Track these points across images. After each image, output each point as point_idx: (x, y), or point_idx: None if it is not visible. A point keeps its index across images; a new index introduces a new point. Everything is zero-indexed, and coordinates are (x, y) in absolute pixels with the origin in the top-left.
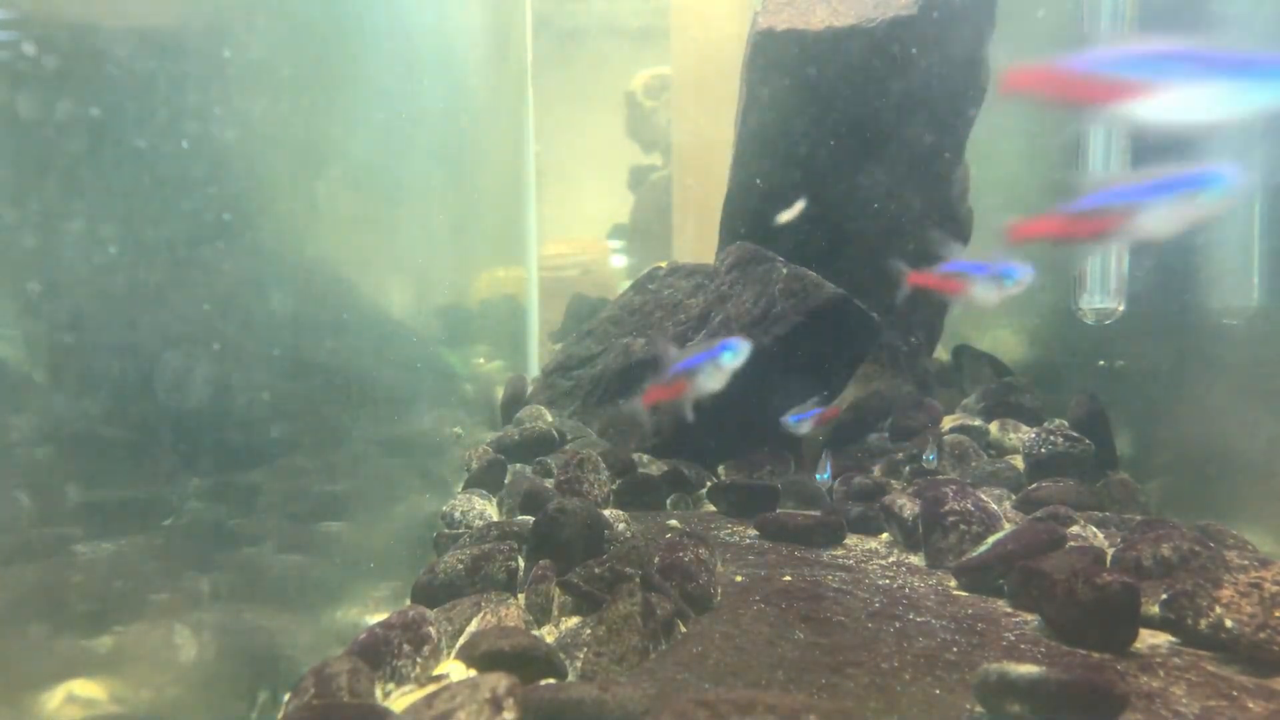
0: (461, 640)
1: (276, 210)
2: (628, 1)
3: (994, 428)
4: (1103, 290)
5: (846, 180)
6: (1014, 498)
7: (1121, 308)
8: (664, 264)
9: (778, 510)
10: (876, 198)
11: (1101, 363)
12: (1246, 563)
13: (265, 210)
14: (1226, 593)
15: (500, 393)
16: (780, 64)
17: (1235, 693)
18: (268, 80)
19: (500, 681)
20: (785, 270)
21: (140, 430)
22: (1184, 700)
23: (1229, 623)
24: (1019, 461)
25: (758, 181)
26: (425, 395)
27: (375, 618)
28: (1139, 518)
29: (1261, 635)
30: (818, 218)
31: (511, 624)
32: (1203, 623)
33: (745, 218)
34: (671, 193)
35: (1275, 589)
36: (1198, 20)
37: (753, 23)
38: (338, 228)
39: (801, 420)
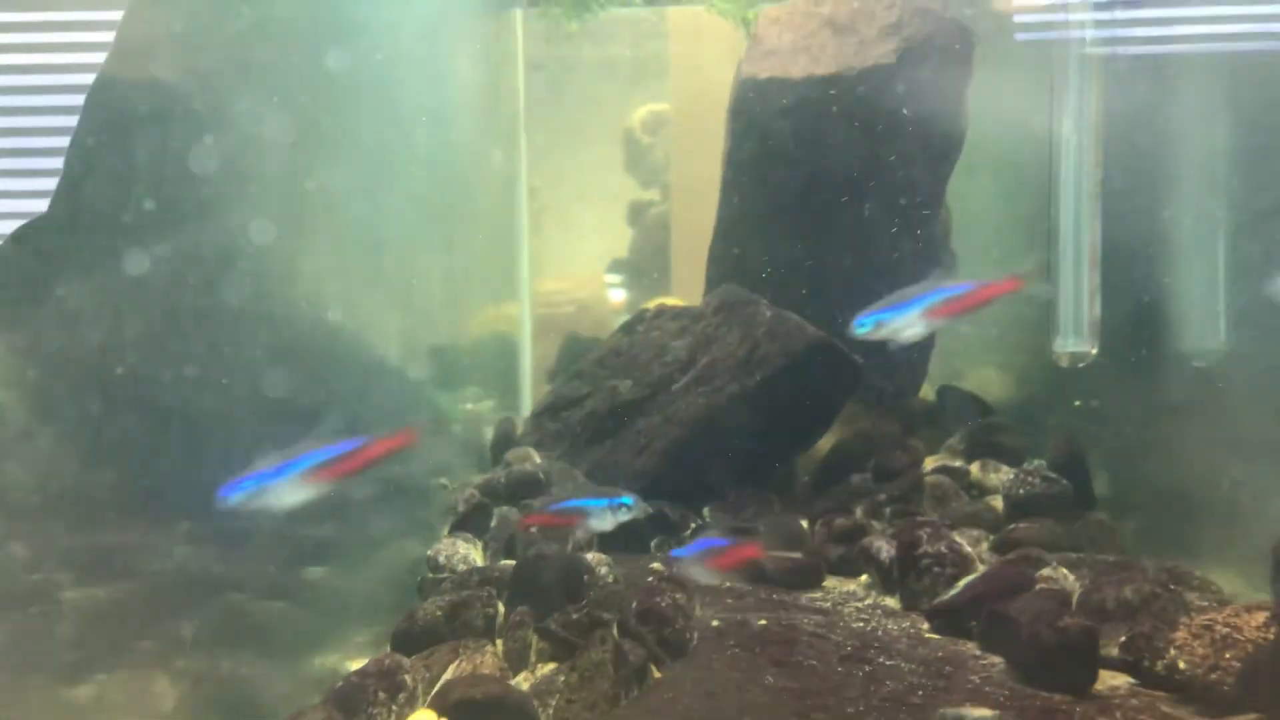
0: (436, 688)
1: (260, 255)
2: (624, 41)
3: (975, 468)
4: (1076, 333)
5: (829, 224)
6: (992, 538)
7: (1094, 351)
8: (652, 305)
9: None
10: (859, 242)
11: (1077, 403)
12: (1206, 604)
13: (250, 255)
14: (1181, 635)
15: (490, 433)
16: (763, 111)
17: None
18: (260, 134)
19: None
20: (769, 313)
21: (129, 475)
22: None
23: (1182, 664)
24: (999, 502)
25: (742, 225)
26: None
27: (357, 663)
28: (1112, 558)
29: (1213, 676)
30: (801, 261)
31: (487, 671)
32: (1159, 664)
33: (730, 259)
34: (670, 228)
35: (1226, 631)
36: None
37: (737, 70)
38: (323, 271)
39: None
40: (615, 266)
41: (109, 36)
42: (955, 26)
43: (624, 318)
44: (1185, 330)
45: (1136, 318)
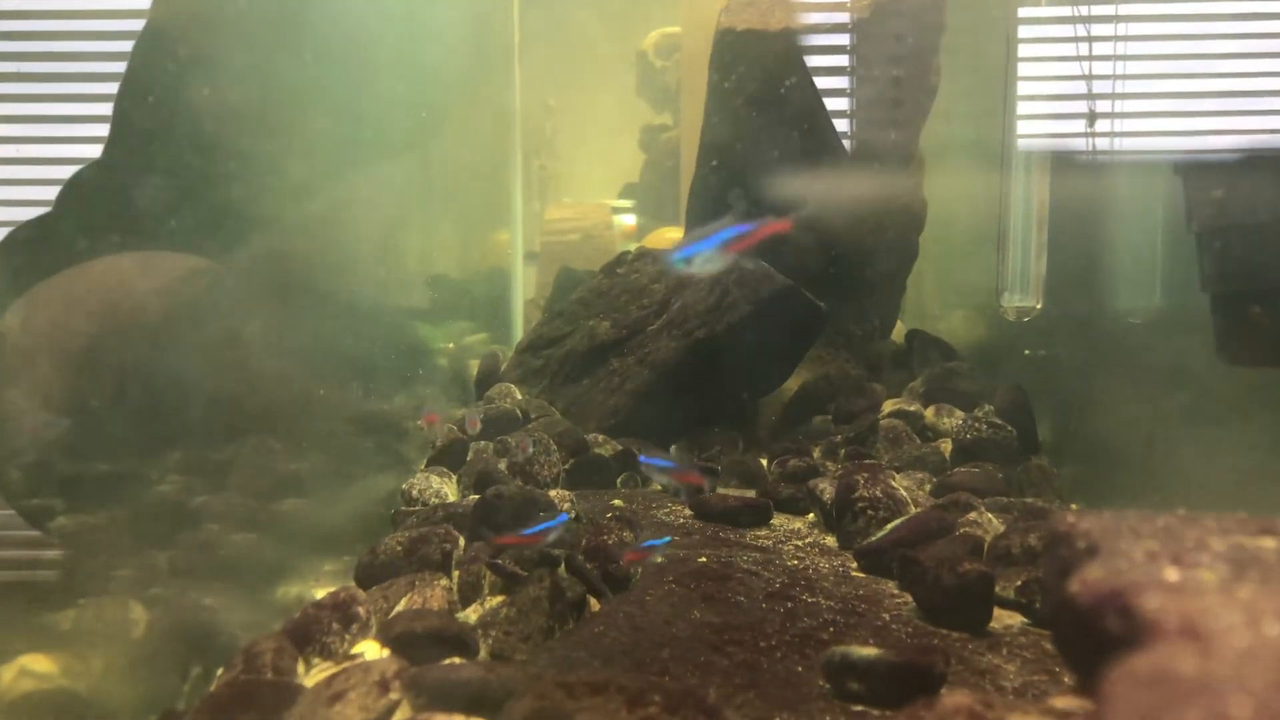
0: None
1: (240, 184)
2: None
3: (930, 412)
4: (1022, 289)
5: (805, 174)
6: (935, 481)
7: (1039, 305)
8: (633, 248)
9: (716, 490)
10: (834, 190)
11: (1027, 352)
12: None
13: (228, 185)
14: None
15: (475, 366)
16: (740, 62)
17: (1057, 668)
18: (237, 64)
19: (390, 666)
20: (739, 260)
21: (122, 406)
22: (1012, 675)
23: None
24: (949, 445)
25: (719, 171)
26: (395, 373)
27: (323, 591)
28: (1041, 503)
29: None
30: (775, 208)
31: (436, 604)
32: None
33: (708, 205)
34: (680, 154)
35: None
36: None
37: (717, 21)
38: (303, 202)
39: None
40: (628, 192)
41: None
42: None
43: (634, 244)
44: (1125, 287)
45: (1079, 275)
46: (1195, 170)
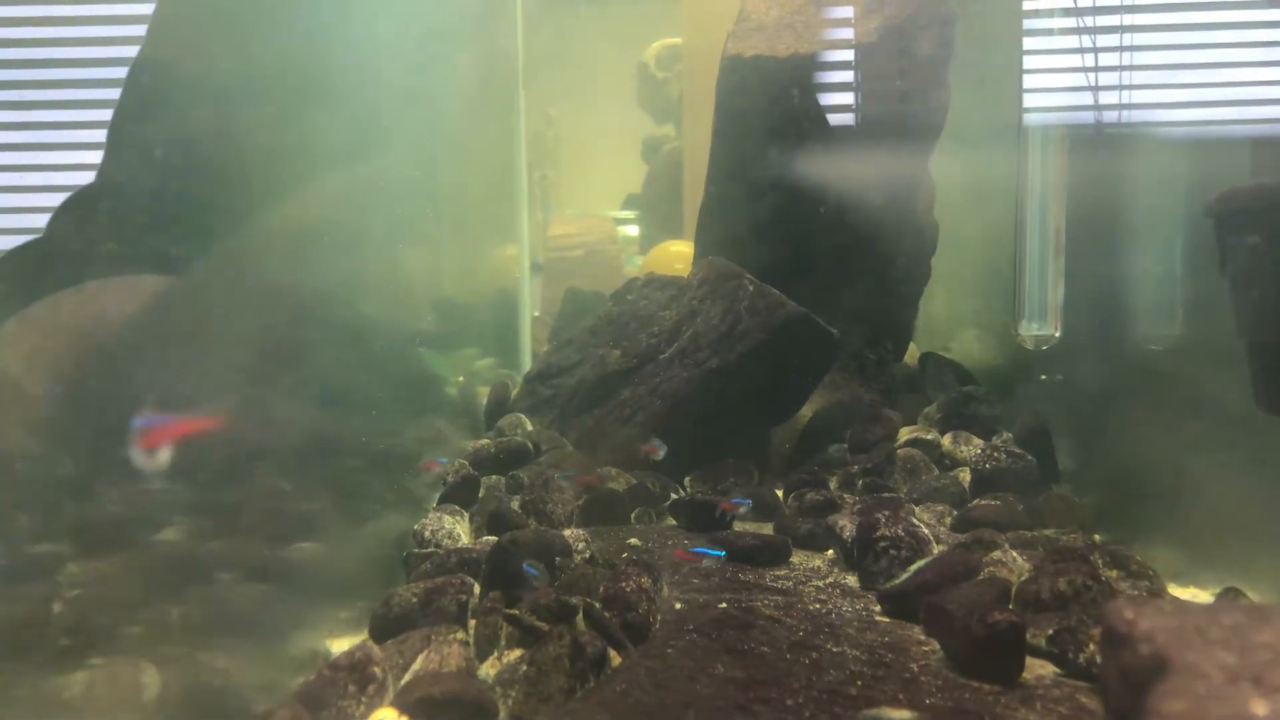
0: (405, 679)
1: (238, 212)
2: None
3: (947, 440)
4: (1040, 317)
5: (814, 200)
6: (955, 514)
7: (1057, 334)
8: (640, 275)
9: (733, 525)
10: (843, 217)
11: (1044, 377)
12: (1135, 594)
13: (227, 213)
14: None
15: (485, 395)
16: (748, 88)
17: None
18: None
19: None
20: (752, 288)
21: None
22: None
23: (1099, 658)
24: (968, 474)
25: (727, 198)
26: (403, 406)
27: (338, 642)
28: (1063, 539)
29: None
30: (786, 236)
31: (452, 662)
32: (1081, 656)
33: (718, 229)
34: (682, 165)
35: None
36: None
37: (724, 48)
38: (302, 226)
39: None
40: (630, 203)
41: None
42: (936, 5)
43: (639, 258)
44: (1146, 313)
45: (1097, 301)
46: (1229, 214)
